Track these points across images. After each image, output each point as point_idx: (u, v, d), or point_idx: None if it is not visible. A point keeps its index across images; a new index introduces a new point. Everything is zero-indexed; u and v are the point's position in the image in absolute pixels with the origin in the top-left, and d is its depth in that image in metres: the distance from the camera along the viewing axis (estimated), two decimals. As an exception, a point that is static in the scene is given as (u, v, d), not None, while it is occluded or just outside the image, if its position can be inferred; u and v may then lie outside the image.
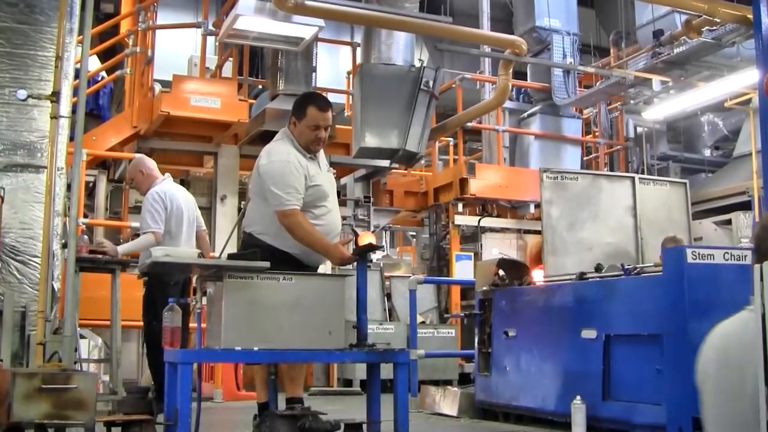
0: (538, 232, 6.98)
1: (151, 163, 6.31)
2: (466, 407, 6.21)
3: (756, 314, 3.69)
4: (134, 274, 6.40)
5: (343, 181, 10.93)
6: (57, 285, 5.76)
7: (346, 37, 13.11)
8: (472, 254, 10.70)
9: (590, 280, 5.28)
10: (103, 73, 10.21)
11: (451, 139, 11.56)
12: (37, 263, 5.67)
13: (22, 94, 5.76)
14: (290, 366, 4.39)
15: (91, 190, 9.77)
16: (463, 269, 10.36)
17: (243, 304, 3.94)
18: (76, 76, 5.78)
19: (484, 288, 6.22)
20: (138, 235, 6.12)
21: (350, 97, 10.20)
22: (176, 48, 11.86)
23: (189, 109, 8.71)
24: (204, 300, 4.23)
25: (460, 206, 10.87)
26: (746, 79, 9.58)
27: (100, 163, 9.71)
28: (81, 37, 5.99)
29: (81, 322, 6.53)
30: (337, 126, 9.36)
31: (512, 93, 11.05)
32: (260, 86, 11.05)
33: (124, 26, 10.62)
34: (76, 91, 5.80)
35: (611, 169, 12.42)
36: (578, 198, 6.25)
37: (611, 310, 4.91)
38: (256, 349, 3.92)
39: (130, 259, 6.19)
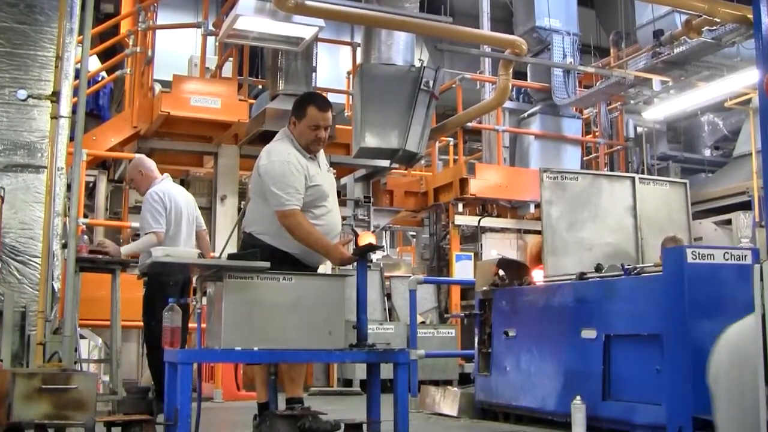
0: (538, 232, 6.98)
1: (150, 164, 6.31)
2: (466, 407, 6.21)
3: (756, 314, 3.70)
4: (134, 274, 6.40)
5: (343, 181, 10.93)
6: (57, 285, 5.76)
7: (346, 37, 13.12)
8: (472, 254, 10.70)
9: (590, 280, 5.28)
10: (103, 73, 10.21)
11: (451, 139, 11.56)
12: (37, 263, 5.67)
13: (22, 94, 5.76)
14: (290, 366, 4.39)
15: (91, 190, 9.77)
16: (463, 269, 10.36)
17: (243, 304, 3.94)
18: (76, 76, 5.78)
19: (484, 288, 6.22)
20: (139, 236, 6.13)
21: (350, 97, 10.20)
22: (176, 48, 11.86)
23: (189, 109, 8.71)
24: (204, 300, 4.23)
25: (460, 206, 10.87)
26: (746, 79, 9.58)
27: (100, 163, 9.71)
28: (81, 37, 6.00)
29: (81, 322, 6.52)
30: (337, 126, 9.36)
31: (512, 93, 11.05)
32: (260, 86, 11.05)
33: (124, 26, 10.62)
34: (76, 91, 5.80)
35: (611, 169, 12.42)
36: (578, 198, 6.25)
37: (611, 310, 4.91)
38: (256, 349, 3.92)
39: (130, 260, 6.19)
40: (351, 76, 10.33)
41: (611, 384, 4.82)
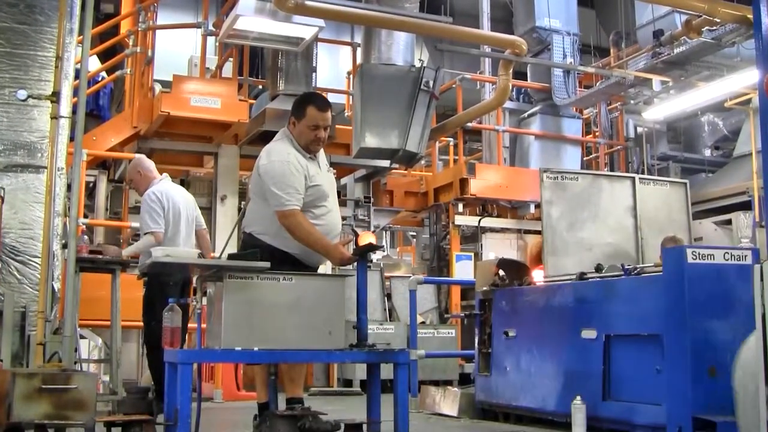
0: (538, 233, 6.98)
1: (149, 164, 6.32)
2: (466, 407, 6.21)
3: (756, 314, 3.70)
4: (134, 274, 6.40)
5: (343, 181, 10.93)
6: (57, 285, 5.76)
7: (346, 37, 13.11)
8: (472, 254, 10.70)
9: (590, 280, 5.28)
10: (104, 74, 10.21)
11: (451, 139, 11.56)
12: (37, 263, 5.67)
13: (22, 94, 5.76)
14: (290, 366, 4.39)
15: (91, 191, 9.77)
16: (463, 269, 10.36)
17: (243, 304, 3.94)
18: (76, 76, 5.78)
19: (484, 288, 6.22)
20: (139, 237, 6.13)
21: (350, 97, 10.20)
22: (176, 48, 11.85)
23: (189, 109, 8.70)
24: (204, 300, 4.22)
25: (460, 206, 10.87)
26: (746, 79, 9.58)
27: (100, 164, 9.71)
28: (81, 37, 6.00)
29: (81, 322, 6.53)
30: (337, 126, 9.37)
31: (512, 93, 11.04)
32: (260, 86, 11.05)
33: (124, 26, 10.62)
34: (76, 92, 5.80)
35: (611, 170, 12.42)
36: (578, 198, 6.25)
37: (611, 311, 4.91)
38: (256, 349, 3.92)
39: (130, 260, 6.20)
40: (351, 76, 10.33)
41: (611, 384, 4.82)
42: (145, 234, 5.92)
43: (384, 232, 14.21)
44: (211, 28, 9.42)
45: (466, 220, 10.99)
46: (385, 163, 9.81)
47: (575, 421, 4.59)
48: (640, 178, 6.66)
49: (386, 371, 4.18)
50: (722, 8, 7.91)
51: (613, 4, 13.07)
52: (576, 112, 11.88)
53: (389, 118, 8.61)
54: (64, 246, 5.55)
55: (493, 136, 11.31)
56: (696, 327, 4.18)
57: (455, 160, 11.51)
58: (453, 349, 9.36)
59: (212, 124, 9.03)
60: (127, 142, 9.23)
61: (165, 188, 6.10)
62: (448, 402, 6.38)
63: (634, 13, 11.52)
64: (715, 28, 8.70)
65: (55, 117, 5.77)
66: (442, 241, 11.43)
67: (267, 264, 3.95)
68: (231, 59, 9.66)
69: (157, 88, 9.10)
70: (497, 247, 10.56)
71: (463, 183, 10.53)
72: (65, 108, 5.86)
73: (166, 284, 5.60)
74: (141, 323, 6.12)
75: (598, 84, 11.07)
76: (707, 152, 13.94)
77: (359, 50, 9.79)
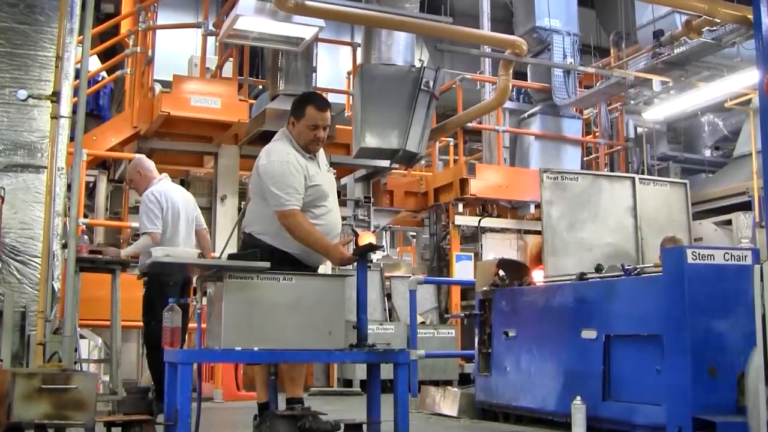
0: (538, 233, 6.98)
1: (148, 164, 6.32)
2: (466, 407, 6.21)
3: (756, 314, 3.70)
4: (134, 274, 6.40)
5: (343, 181, 10.93)
6: (57, 285, 5.76)
7: (347, 37, 13.11)
8: (473, 254, 10.69)
9: (590, 280, 5.28)
10: (104, 74, 10.21)
11: (452, 139, 11.57)
12: (37, 263, 5.68)
13: (22, 94, 5.76)
14: (290, 366, 4.39)
15: (91, 191, 9.77)
16: (463, 269, 10.36)
17: (243, 305, 3.94)
18: (77, 76, 5.78)
19: (484, 288, 6.22)
20: (139, 236, 6.14)
21: (350, 97, 10.20)
22: (176, 48, 11.85)
23: (189, 109, 8.71)
24: (204, 300, 4.22)
25: (460, 206, 10.86)
26: (746, 79, 9.58)
27: (100, 163, 9.71)
28: (81, 37, 5.99)
29: (81, 322, 6.53)
30: (337, 126, 9.37)
31: (512, 93, 11.05)
32: (260, 86, 11.05)
33: (125, 26, 10.62)
34: (76, 91, 5.80)
35: (611, 170, 12.42)
36: (578, 198, 6.25)
37: (611, 311, 4.91)
38: (256, 349, 3.92)
39: (130, 259, 6.21)
40: (351, 76, 10.33)
41: (611, 384, 4.82)
42: (143, 234, 5.93)
43: (384, 232, 14.22)
44: (211, 28, 9.42)
45: (466, 220, 10.99)
46: (385, 163, 9.81)
47: (575, 421, 4.59)
48: (640, 179, 6.66)
49: (386, 371, 4.18)
50: (722, 8, 7.91)
51: (613, 4, 13.07)
52: (576, 113, 11.87)
53: (389, 118, 8.61)
54: (64, 246, 5.55)
55: (493, 137, 11.31)
56: (696, 327, 4.18)
57: (455, 160, 11.51)
58: (453, 349, 9.36)
59: (212, 124, 9.03)
60: (127, 142, 9.23)
61: (164, 188, 6.10)
62: (448, 402, 6.38)
63: (634, 14, 11.52)
64: (715, 28, 8.70)
65: (55, 117, 5.77)
66: (442, 241, 11.43)
67: (267, 264, 3.95)
68: (231, 59, 9.66)
69: (157, 88, 9.10)
70: (497, 247, 10.56)
71: (463, 183, 10.53)
72: (65, 108, 5.86)
73: (166, 284, 5.60)
74: (141, 323, 6.12)
75: (598, 84, 11.07)
76: (707, 152, 13.94)
77: (359, 50, 9.79)
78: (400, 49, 8.99)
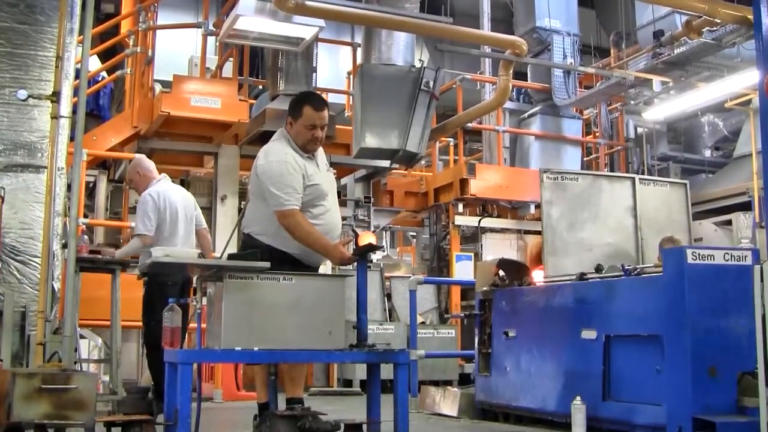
0: (539, 233, 6.98)
1: (148, 164, 6.33)
2: (466, 408, 6.21)
3: (756, 314, 3.70)
4: (134, 274, 6.41)
5: (343, 181, 10.93)
6: (57, 285, 5.76)
7: (347, 37, 13.11)
8: (473, 254, 10.69)
9: (590, 280, 5.28)
10: (104, 74, 10.21)
11: (452, 139, 11.56)
12: (37, 263, 5.67)
13: (22, 94, 5.76)
14: (291, 366, 4.39)
15: (91, 190, 9.77)
16: (463, 269, 10.36)
17: (243, 305, 3.94)
18: (77, 76, 5.78)
19: (484, 288, 6.22)
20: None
21: (350, 97, 10.20)
22: (176, 48, 11.85)
23: (189, 109, 8.70)
24: (204, 300, 4.22)
25: (460, 206, 10.86)
26: (746, 79, 9.58)
27: (100, 163, 9.72)
28: (81, 37, 5.99)
29: (81, 322, 6.53)
30: (337, 126, 9.36)
31: (512, 93, 11.05)
32: (260, 86, 11.05)
33: (125, 26, 10.62)
34: (76, 91, 5.80)
35: (611, 170, 12.42)
36: (578, 198, 6.25)
37: (611, 311, 4.91)
38: (256, 349, 3.92)
39: (130, 259, 6.21)
40: (351, 76, 10.33)
41: (611, 384, 4.82)
42: (134, 236, 5.97)
43: (384, 232, 14.22)
44: (211, 28, 9.42)
45: (466, 220, 10.98)
46: (385, 163, 9.81)
47: (575, 421, 4.59)
48: (640, 179, 6.66)
49: (386, 371, 4.18)
50: (722, 9, 7.91)
51: (614, 4, 13.08)
52: (576, 113, 11.87)
53: (389, 118, 8.61)
54: (64, 246, 5.55)
55: (493, 137, 11.30)
56: (696, 327, 4.18)
57: (455, 161, 11.51)
58: (453, 350, 9.36)
59: (212, 124, 9.02)
60: (127, 142, 9.23)
61: (163, 189, 6.10)
62: (448, 402, 6.38)
63: (634, 14, 11.52)
64: (715, 28, 8.70)
65: (55, 117, 5.77)
66: (442, 242, 11.43)
67: (267, 264, 3.95)
68: (231, 59, 9.66)
69: (158, 88, 9.10)
70: (497, 248, 10.56)
71: (463, 183, 10.52)
72: (65, 108, 5.86)
73: (165, 284, 5.60)
74: (141, 323, 6.12)
75: (598, 84, 11.07)
76: (707, 153, 13.94)
77: (359, 50, 9.79)
78: (400, 49, 8.99)
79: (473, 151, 13.91)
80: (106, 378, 6.68)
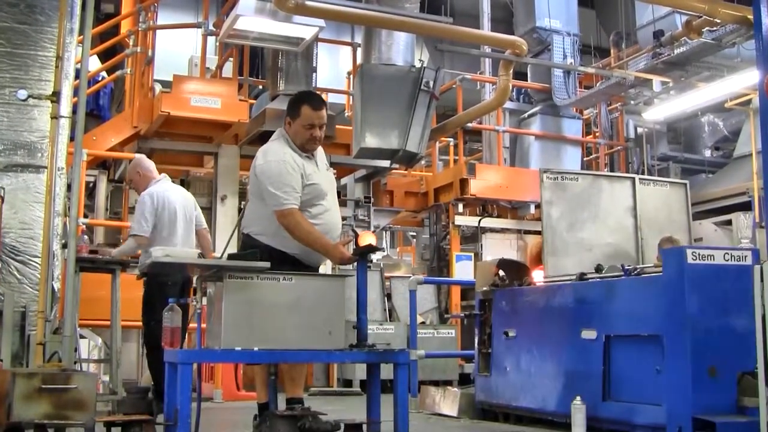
0: (539, 233, 6.98)
1: (148, 164, 6.33)
2: (466, 408, 6.21)
3: (756, 314, 3.70)
4: (134, 274, 6.41)
5: (343, 181, 10.93)
6: (57, 285, 5.76)
7: (347, 37, 13.11)
8: (473, 254, 10.69)
9: (590, 280, 5.28)
10: (104, 73, 10.21)
11: (452, 139, 11.56)
12: (37, 263, 5.67)
13: (22, 94, 5.76)
14: (291, 366, 4.39)
15: (91, 191, 9.77)
16: (463, 269, 10.36)
17: (243, 305, 3.94)
18: (77, 76, 5.78)
19: (484, 288, 6.22)
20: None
21: (350, 97, 10.20)
22: (176, 48, 11.85)
23: (189, 109, 8.70)
24: (204, 300, 4.22)
25: (460, 206, 10.86)
26: (746, 79, 9.58)
27: (100, 163, 9.72)
28: (81, 37, 6.00)
29: (81, 322, 6.53)
30: (337, 126, 9.36)
31: (512, 93, 11.05)
32: (260, 86, 11.05)
33: (125, 26, 10.62)
34: (76, 91, 5.80)
35: (611, 170, 12.42)
36: (578, 198, 6.25)
37: (611, 311, 4.91)
38: (256, 349, 3.92)
39: (130, 259, 6.21)
40: (351, 76, 10.33)
41: (611, 384, 4.82)
42: (129, 236, 5.99)
43: (384, 232, 14.22)
44: (211, 28, 9.42)
45: (466, 220, 10.98)
46: (385, 163, 9.81)
47: (575, 421, 4.59)
48: (640, 179, 6.66)
49: (386, 371, 4.18)
50: (722, 9, 7.91)
51: (614, 4, 13.08)
52: (576, 113, 11.87)
53: (389, 118, 8.61)
54: (64, 246, 5.55)
55: (493, 137, 11.30)
56: (696, 327, 4.18)
57: (455, 161, 11.51)
58: (453, 349, 9.36)
59: (212, 124, 9.02)
60: (127, 142, 9.23)
61: (161, 189, 6.11)
62: (448, 402, 6.38)
63: (634, 14, 11.52)
64: (715, 28, 8.70)
65: (55, 117, 5.77)
66: (442, 242, 11.43)
67: (267, 264, 3.95)
68: (231, 59, 9.66)
69: (157, 88, 9.10)
70: (497, 248, 10.56)
71: (463, 183, 10.52)
72: (65, 108, 5.86)
73: (165, 284, 5.60)
74: (141, 323, 6.12)
75: (598, 84, 11.07)
76: (707, 153, 13.94)
77: (359, 50, 9.79)
78: (400, 49, 8.99)
79: (473, 151, 13.91)
80: (106, 378, 6.68)
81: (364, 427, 4.17)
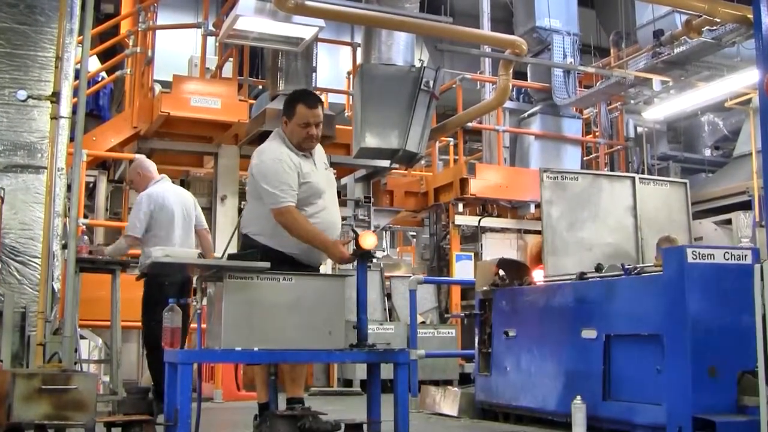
0: (539, 232, 6.98)
1: (148, 165, 6.33)
2: (467, 407, 6.21)
3: (756, 314, 3.70)
4: (134, 274, 6.41)
5: (343, 181, 10.93)
6: (57, 285, 5.76)
7: (346, 37, 13.12)
8: (473, 254, 10.69)
9: (590, 280, 5.28)
10: (103, 74, 10.21)
11: (452, 139, 11.56)
12: (37, 264, 5.67)
13: (22, 94, 5.76)
14: (291, 366, 4.39)
15: (91, 191, 9.77)
16: (463, 269, 10.36)
17: (243, 305, 3.94)
18: (76, 76, 5.78)
19: (485, 288, 6.22)
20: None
21: (350, 97, 10.20)
22: (176, 48, 11.86)
23: (189, 109, 8.70)
24: (204, 300, 4.22)
25: (460, 206, 10.87)
26: (746, 79, 9.58)
27: (100, 164, 9.71)
28: (81, 37, 6.00)
29: (81, 322, 6.52)
30: (337, 126, 9.36)
31: (512, 93, 11.04)
32: (260, 86, 11.04)
33: (125, 27, 10.62)
34: (76, 92, 5.80)
35: (611, 169, 12.42)
36: (578, 198, 6.25)
37: (611, 310, 4.91)
38: (256, 349, 3.92)
39: (130, 260, 6.21)
40: (351, 76, 10.33)
41: (611, 384, 4.82)
42: (123, 236, 6.00)
43: (384, 232, 14.21)
44: (211, 28, 9.41)
45: (466, 220, 10.99)
46: (385, 163, 9.81)
47: (575, 421, 4.59)
48: (640, 178, 6.65)
49: (386, 371, 4.18)
50: (722, 8, 7.91)
51: (613, 4, 13.07)
52: (576, 112, 11.87)
53: (389, 118, 8.61)
54: (64, 246, 5.55)
55: (493, 136, 11.30)
56: (696, 326, 4.18)
57: (455, 160, 11.51)
58: (453, 349, 9.36)
59: (212, 124, 9.02)
60: (127, 143, 9.22)
61: (160, 189, 6.11)
62: (448, 402, 6.38)
63: (634, 13, 11.52)
64: (715, 28, 8.70)
65: (55, 117, 5.77)
66: (442, 241, 11.43)
67: (267, 264, 3.95)
68: (231, 59, 9.66)
69: (157, 88, 9.10)
70: (497, 247, 10.56)
71: (463, 183, 10.52)
72: (65, 108, 5.87)
73: (165, 284, 5.60)
74: (141, 323, 6.12)
75: (598, 84, 11.08)
76: (707, 152, 13.94)
77: (359, 50, 9.79)
78: (400, 49, 8.99)
79: (473, 151, 13.91)
80: (107, 378, 6.68)
81: (365, 427, 4.17)
